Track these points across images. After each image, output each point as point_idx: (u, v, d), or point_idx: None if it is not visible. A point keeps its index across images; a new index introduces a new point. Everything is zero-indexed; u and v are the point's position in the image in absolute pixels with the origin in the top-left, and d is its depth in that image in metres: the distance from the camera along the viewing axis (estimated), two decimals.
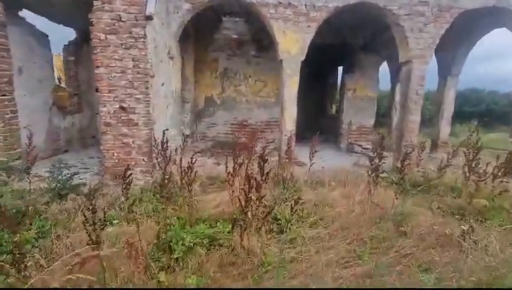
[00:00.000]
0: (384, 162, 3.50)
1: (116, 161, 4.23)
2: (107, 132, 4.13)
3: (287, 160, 5.02)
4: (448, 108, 7.57)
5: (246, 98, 7.43)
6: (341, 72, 9.04)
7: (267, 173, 2.38)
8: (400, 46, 5.18)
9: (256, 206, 2.68)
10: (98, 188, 4.31)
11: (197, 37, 6.90)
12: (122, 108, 4.08)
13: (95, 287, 2.02)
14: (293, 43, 4.95)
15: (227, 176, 3.37)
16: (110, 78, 3.99)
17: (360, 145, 7.41)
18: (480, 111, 19.79)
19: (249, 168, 4.25)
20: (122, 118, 4.11)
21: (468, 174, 3.89)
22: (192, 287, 2.22)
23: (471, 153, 3.73)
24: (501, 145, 11.35)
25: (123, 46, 3.92)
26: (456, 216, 3.64)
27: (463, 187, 4.01)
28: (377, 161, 3.35)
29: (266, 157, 2.40)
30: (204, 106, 7.44)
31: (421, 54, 4.95)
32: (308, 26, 4.89)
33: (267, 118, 7.56)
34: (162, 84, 4.63)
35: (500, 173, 3.39)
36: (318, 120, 12.11)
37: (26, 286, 1.63)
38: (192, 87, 7.04)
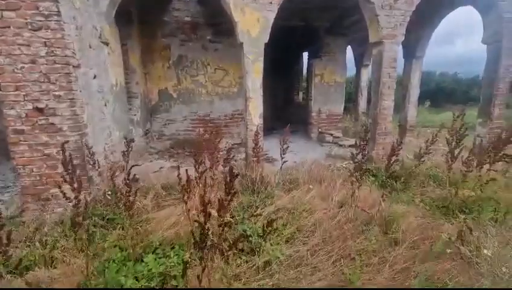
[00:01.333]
0: (366, 156, 3.02)
1: (38, 178, 3.28)
2: (20, 142, 3.16)
3: (255, 159, 4.41)
4: (414, 91, 7.45)
5: (206, 90, 6.63)
6: (307, 58, 8.57)
7: (234, 193, 1.73)
8: (371, 26, 4.75)
9: (219, 233, 2.04)
10: (14, 215, 3.36)
11: (142, 20, 5.89)
12: (38, 109, 3.13)
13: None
14: (253, 23, 4.26)
15: (182, 191, 2.67)
16: (16, 70, 3.00)
17: (330, 134, 7.06)
18: (431, 90, 21.18)
19: (213, 174, 3.59)
20: (40, 122, 3.15)
21: (450, 162, 3.61)
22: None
23: (454, 139, 3.42)
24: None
25: (29, 27, 2.94)
26: (442, 208, 3.35)
27: (445, 177, 3.73)
28: (360, 157, 2.85)
29: (235, 172, 1.74)
30: (159, 100, 6.51)
31: (392, 33, 4.56)
32: (270, 3, 4.23)
33: (231, 110, 6.85)
34: (94, 77, 3.69)
35: (488, 160, 3.10)
36: (286, 109, 11.68)
37: None
38: (142, 79, 6.07)
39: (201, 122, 6.74)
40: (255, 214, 2.96)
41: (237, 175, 1.91)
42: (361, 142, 2.79)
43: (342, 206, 3.32)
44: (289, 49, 10.29)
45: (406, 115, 7.53)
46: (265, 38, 4.40)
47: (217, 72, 6.57)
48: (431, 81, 22.72)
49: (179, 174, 2.76)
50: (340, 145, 6.66)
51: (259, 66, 4.47)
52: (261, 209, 3.35)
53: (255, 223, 2.93)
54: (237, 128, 6.96)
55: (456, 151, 3.52)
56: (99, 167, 3.50)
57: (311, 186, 3.73)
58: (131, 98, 5.64)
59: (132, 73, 5.55)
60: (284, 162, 4.18)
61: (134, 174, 2.33)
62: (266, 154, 5.87)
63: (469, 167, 3.09)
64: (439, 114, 17.02)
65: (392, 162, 2.74)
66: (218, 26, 6.28)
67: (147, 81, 6.31)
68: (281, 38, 8.42)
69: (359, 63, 9.85)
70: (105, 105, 4.05)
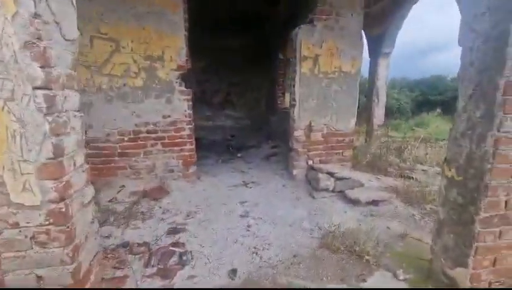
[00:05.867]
0: None
1: None
2: None
3: None
4: (382, 92, 6.27)
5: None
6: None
7: None
8: None
9: None
10: None
11: None
12: None
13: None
14: None
15: None
16: None
17: (330, 173, 3.62)
18: (446, 99, 18.95)
19: None
20: None
21: None
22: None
23: None
24: None
25: None
26: None
27: None
28: None
29: None
30: None
31: None
32: None
33: (134, 122, 3.43)
34: None
35: None
36: (268, 119, 8.31)
37: None
38: None
39: None
40: None
41: None
42: None
43: None
44: (273, 26, 6.96)
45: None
46: None
47: (97, 44, 3.16)
48: (442, 86, 20.33)
49: None
50: (352, 201, 3.24)
51: None
52: None
53: None
54: (146, 159, 3.53)
55: None
56: None
57: None
58: None
59: None
60: None
61: None
62: (172, 245, 2.45)
63: None
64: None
65: None
66: None
67: None
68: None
69: (375, 51, 6.45)
70: None
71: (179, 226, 2.67)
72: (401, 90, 20.05)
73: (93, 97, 3.27)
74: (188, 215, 2.91)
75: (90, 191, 1.38)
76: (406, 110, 19.08)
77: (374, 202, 3.25)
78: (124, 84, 3.30)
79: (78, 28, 2.98)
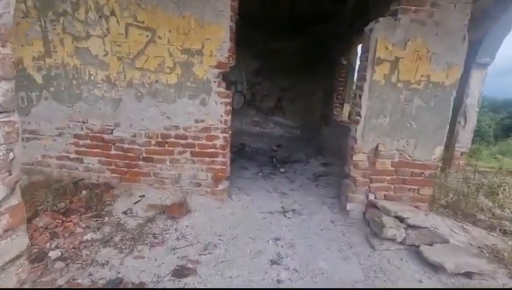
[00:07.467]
0: None
1: None
2: None
3: None
4: (472, 113, 4.89)
5: (107, 73, 2.90)
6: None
7: None
8: None
9: None
10: None
11: None
12: None
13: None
14: None
15: None
16: None
17: (399, 217, 2.67)
18: None
19: None
20: None
21: None
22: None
23: None
24: None
25: None
26: None
27: None
28: None
29: None
30: None
31: None
32: None
33: (163, 125, 2.98)
34: None
35: None
36: (320, 130, 7.43)
37: None
38: None
39: (96, 143, 3.03)
40: None
41: None
42: None
43: None
44: (336, 27, 6.12)
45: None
46: None
47: (132, 33, 2.79)
48: None
49: None
50: (432, 265, 2.28)
51: None
52: None
53: None
54: (172, 167, 3.06)
55: None
56: None
57: None
58: None
59: None
60: None
61: None
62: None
63: None
64: None
65: None
66: None
67: None
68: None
69: (467, 60, 5.11)
70: None
71: (190, 265, 2.08)
72: (482, 111, 17.16)
73: (123, 92, 2.91)
74: (205, 249, 2.31)
75: (15, 244, 0.84)
76: (488, 134, 16.21)
77: (467, 274, 2.23)
78: (157, 81, 2.87)
79: (114, 12, 2.63)
